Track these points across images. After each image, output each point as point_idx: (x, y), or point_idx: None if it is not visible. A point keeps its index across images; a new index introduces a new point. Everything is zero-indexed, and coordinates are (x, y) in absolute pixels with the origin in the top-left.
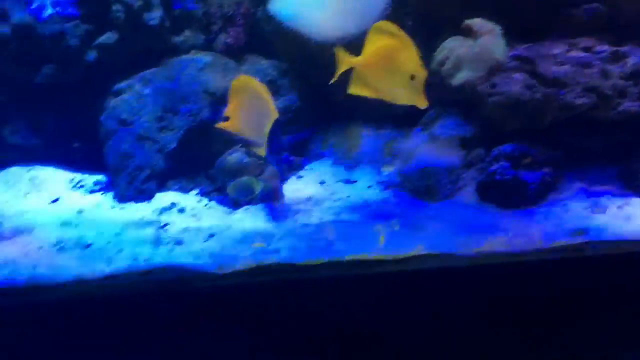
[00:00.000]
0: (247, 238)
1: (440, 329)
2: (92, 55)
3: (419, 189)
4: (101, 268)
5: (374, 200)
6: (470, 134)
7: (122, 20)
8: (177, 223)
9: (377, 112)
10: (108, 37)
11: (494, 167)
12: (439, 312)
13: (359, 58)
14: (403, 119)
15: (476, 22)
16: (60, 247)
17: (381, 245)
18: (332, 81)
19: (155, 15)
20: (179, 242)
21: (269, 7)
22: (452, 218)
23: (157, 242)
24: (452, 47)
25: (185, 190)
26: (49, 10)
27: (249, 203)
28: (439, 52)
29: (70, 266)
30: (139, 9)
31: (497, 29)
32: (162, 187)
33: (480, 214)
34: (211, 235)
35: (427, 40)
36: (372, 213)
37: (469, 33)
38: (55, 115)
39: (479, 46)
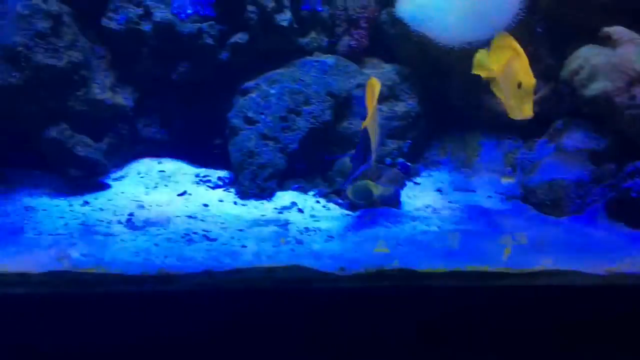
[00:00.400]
0: (366, 242)
1: (562, 346)
2: (224, 54)
3: (543, 202)
4: (227, 262)
5: (495, 211)
6: (601, 148)
7: (254, 21)
8: (297, 222)
9: (498, 120)
10: (240, 37)
11: (629, 183)
12: (562, 329)
13: (496, 68)
14: (526, 129)
15: (616, 30)
16: (189, 239)
17: (505, 258)
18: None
19: (285, 17)
20: (299, 242)
21: (395, 11)
22: (579, 235)
23: (279, 240)
24: (588, 55)
25: (304, 190)
26: (189, 10)
27: (367, 206)
28: (571, 60)
29: (198, 258)
30: (271, 10)
31: (638, 38)
32: (282, 186)
33: (610, 233)
34: (331, 237)
35: (557, 48)
36: (493, 224)
37: (606, 41)
38: (185, 111)
39: (618, 56)
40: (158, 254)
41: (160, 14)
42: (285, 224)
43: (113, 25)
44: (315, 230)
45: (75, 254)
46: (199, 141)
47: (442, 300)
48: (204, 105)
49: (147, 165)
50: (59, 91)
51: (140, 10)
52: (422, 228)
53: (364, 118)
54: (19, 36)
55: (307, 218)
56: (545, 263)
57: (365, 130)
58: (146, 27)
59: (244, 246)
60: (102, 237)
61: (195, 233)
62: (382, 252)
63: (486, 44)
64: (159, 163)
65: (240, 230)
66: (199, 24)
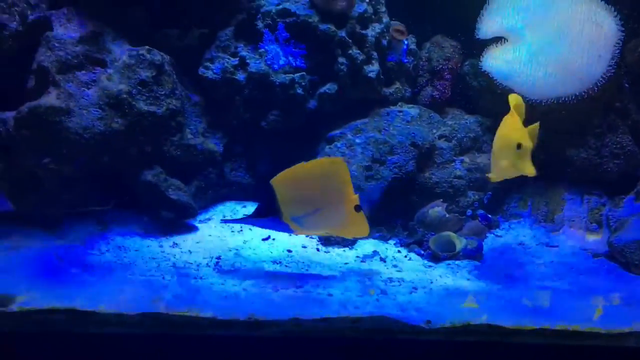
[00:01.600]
0: (451, 295)
1: None
2: (312, 103)
3: (633, 262)
4: (314, 310)
5: (581, 269)
6: None
7: (344, 73)
8: (380, 272)
9: (582, 175)
10: (329, 88)
11: None
12: None
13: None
14: (612, 185)
15: None
16: (275, 285)
17: (596, 317)
18: None
19: (373, 68)
20: (384, 292)
21: (482, 65)
22: None
23: (363, 290)
24: None
25: (384, 238)
26: (282, 61)
27: (449, 259)
28: None
29: (285, 305)
30: (361, 62)
31: None
32: None
33: None
34: (415, 288)
35: None
36: (580, 282)
37: None
38: (270, 156)
39: None
40: (246, 299)
41: (255, 64)
42: (368, 273)
43: (209, 74)
44: (399, 281)
45: (167, 295)
46: None
47: (530, 358)
48: (288, 151)
49: (232, 209)
50: (156, 136)
51: (235, 61)
52: (507, 283)
53: None
54: (124, 84)
55: (389, 268)
56: (635, 325)
57: (270, 186)
58: (241, 76)
59: (330, 294)
60: (193, 280)
61: (282, 279)
62: (469, 306)
63: (574, 99)
64: (243, 207)
65: (326, 278)
66: (291, 75)
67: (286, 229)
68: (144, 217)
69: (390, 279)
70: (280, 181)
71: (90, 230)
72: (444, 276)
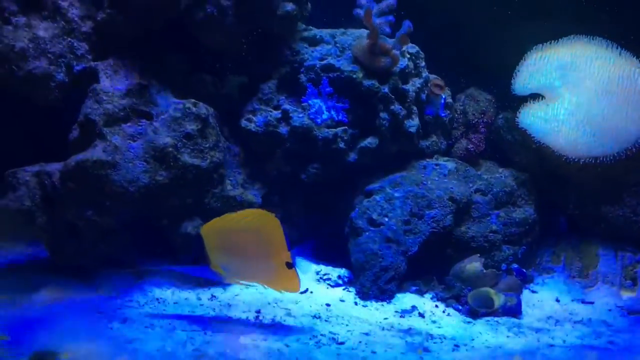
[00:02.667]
0: (494, 353)
1: None
2: (352, 156)
3: None
4: None
5: (619, 327)
6: None
7: (385, 127)
8: (420, 328)
9: (616, 232)
10: (370, 142)
11: None
12: None
13: None
14: None
15: None
16: (317, 341)
17: None
18: None
19: (414, 123)
20: (426, 349)
21: (519, 121)
22: None
23: (406, 347)
24: None
25: (420, 292)
26: (325, 115)
27: (488, 315)
28: None
29: None
30: (402, 117)
31: None
32: (400, 288)
33: None
34: (456, 346)
35: None
36: (619, 340)
37: None
38: (306, 208)
39: None
40: (290, 355)
41: (299, 118)
42: (408, 329)
43: (252, 127)
44: (440, 338)
45: (211, 351)
46: (318, 238)
47: None
48: (324, 203)
49: None
50: (198, 189)
51: (278, 114)
52: (547, 341)
53: None
54: (170, 137)
55: (429, 323)
56: None
57: (199, 237)
58: (283, 130)
59: (373, 352)
60: (234, 335)
61: (322, 335)
62: None
63: (612, 158)
64: None
65: (366, 334)
66: (334, 130)
67: (217, 276)
68: (179, 266)
69: (431, 336)
70: (209, 229)
71: (125, 281)
72: (484, 333)
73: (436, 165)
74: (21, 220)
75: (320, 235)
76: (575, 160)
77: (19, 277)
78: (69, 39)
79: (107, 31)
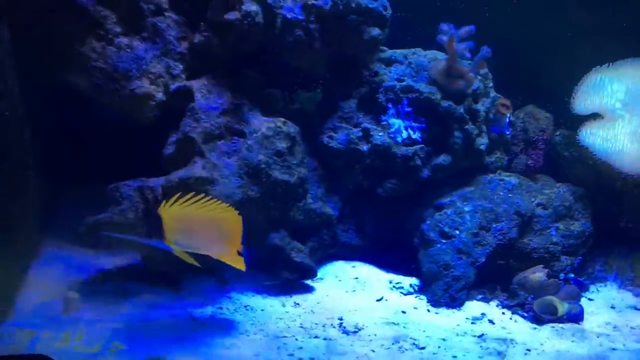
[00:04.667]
0: (563, 357)
1: None
2: (426, 172)
3: None
4: None
5: None
6: None
7: (459, 145)
8: (491, 334)
9: None
10: (444, 159)
11: None
12: None
13: None
14: None
15: None
16: (400, 346)
17: None
18: None
19: (484, 141)
20: (500, 353)
21: (580, 139)
22: None
23: (482, 351)
24: None
25: (486, 300)
26: (404, 134)
27: (553, 322)
28: None
29: None
30: (475, 135)
31: None
32: (468, 296)
33: None
34: (528, 350)
35: None
36: None
37: None
38: (378, 219)
39: None
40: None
41: (380, 137)
42: (481, 335)
43: (334, 144)
44: (512, 343)
45: (305, 357)
46: (389, 248)
47: None
48: (395, 215)
49: (342, 268)
50: (285, 203)
51: (358, 132)
52: (609, 345)
53: None
54: (262, 155)
55: (499, 330)
56: None
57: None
58: (364, 147)
59: (454, 356)
60: (323, 341)
61: (404, 340)
62: None
63: None
64: (353, 267)
65: (443, 339)
66: (412, 148)
67: (167, 248)
68: (262, 276)
69: (504, 340)
70: (169, 213)
71: (211, 287)
72: (551, 338)
73: (500, 180)
74: (122, 232)
75: (391, 245)
76: (634, 177)
77: (114, 284)
78: (167, 59)
79: (202, 52)
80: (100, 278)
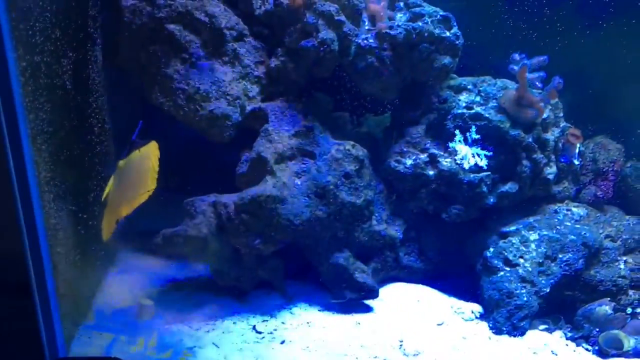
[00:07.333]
0: None
1: None
2: (491, 199)
3: None
4: None
5: None
6: None
7: (526, 174)
8: None
9: None
10: (511, 187)
11: None
12: None
13: None
14: None
15: None
16: None
17: None
18: None
19: (552, 171)
20: None
21: None
22: None
23: None
24: None
25: (549, 330)
26: (470, 161)
27: (618, 356)
28: None
29: None
30: (543, 165)
31: None
32: (531, 325)
33: None
34: None
35: None
36: None
37: None
38: (440, 244)
39: None
40: None
41: (446, 163)
42: None
43: (401, 168)
44: None
45: None
46: (450, 273)
47: None
48: (458, 241)
49: (404, 290)
50: (350, 224)
51: (426, 157)
52: None
53: None
54: (331, 176)
55: None
56: None
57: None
58: (430, 172)
59: None
60: None
61: None
62: None
63: None
64: (414, 290)
65: None
66: (479, 175)
67: None
68: (323, 293)
69: None
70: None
71: (276, 302)
72: None
73: (567, 210)
74: (196, 245)
75: (451, 270)
76: None
77: (185, 294)
78: (244, 82)
79: (277, 76)
80: (172, 287)
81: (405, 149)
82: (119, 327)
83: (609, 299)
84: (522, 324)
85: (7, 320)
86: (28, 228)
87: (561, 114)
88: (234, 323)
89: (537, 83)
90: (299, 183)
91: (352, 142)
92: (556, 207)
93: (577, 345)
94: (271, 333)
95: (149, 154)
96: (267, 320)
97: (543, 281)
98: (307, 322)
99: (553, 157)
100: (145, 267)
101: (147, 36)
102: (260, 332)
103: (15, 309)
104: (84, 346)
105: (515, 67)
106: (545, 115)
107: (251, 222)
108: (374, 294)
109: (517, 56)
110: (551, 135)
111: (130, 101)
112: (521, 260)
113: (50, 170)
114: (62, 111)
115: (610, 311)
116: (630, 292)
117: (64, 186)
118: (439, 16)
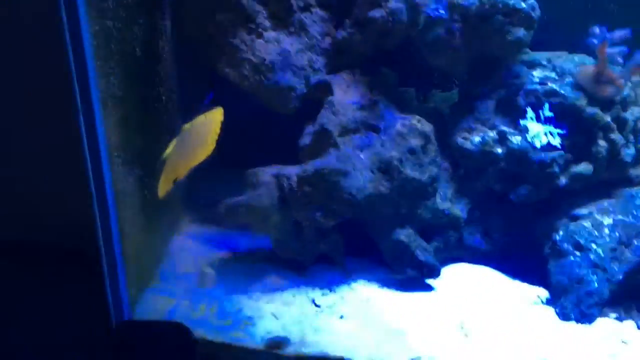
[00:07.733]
0: None
1: None
2: (563, 180)
3: None
4: None
5: None
6: None
7: (602, 155)
8: (623, 353)
9: None
10: (585, 169)
11: None
12: None
13: None
14: None
15: None
16: (521, 358)
17: None
18: None
19: (630, 152)
20: None
21: None
22: None
23: None
24: None
25: (620, 319)
26: (542, 139)
27: None
28: None
29: None
30: (621, 145)
31: None
32: (600, 313)
33: None
34: None
35: None
36: None
37: None
38: (507, 225)
39: None
40: None
41: (516, 141)
42: (613, 355)
43: (468, 145)
44: None
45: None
46: (516, 255)
47: None
48: (525, 223)
49: (466, 271)
50: (413, 200)
51: (494, 135)
52: None
53: None
54: (395, 151)
55: (632, 350)
56: None
57: None
58: (499, 150)
59: None
60: (451, 342)
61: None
62: None
63: None
64: (477, 271)
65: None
66: (551, 154)
67: None
68: (384, 270)
69: None
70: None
71: (335, 277)
72: None
73: None
74: (258, 216)
75: (517, 252)
76: None
77: (245, 264)
78: (310, 53)
79: (344, 48)
80: (233, 257)
81: (473, 126)
82: (181, 292)
83: None
84: (591, 311)
85: (76, 283)
86: (97, 192)
87: None
88: (293, 296)
89: (617, 58)
90: (362, 157)
91: (418, 117)
92: (633, 192)
93: None
94: (330, 307)
95: (214, 119)
96: (326, 294)
97: (616, 268)
98: (367, 298)
99: (632, 138)
100: (208, 236)
101: (215, 6)
102: (318, 306)
103: (83, 273)
104: (148, 310)
105: (595, 41)
106: (625, 93)
107: (313, 194)
108: (435, 273)
109: (597, 29)
110: (630, 115)
111: (196, 72)
112: (593, 245)
113: (119, 135)
114: (131, 77)
115: None
116: None
117: (131, 151)
118: None
